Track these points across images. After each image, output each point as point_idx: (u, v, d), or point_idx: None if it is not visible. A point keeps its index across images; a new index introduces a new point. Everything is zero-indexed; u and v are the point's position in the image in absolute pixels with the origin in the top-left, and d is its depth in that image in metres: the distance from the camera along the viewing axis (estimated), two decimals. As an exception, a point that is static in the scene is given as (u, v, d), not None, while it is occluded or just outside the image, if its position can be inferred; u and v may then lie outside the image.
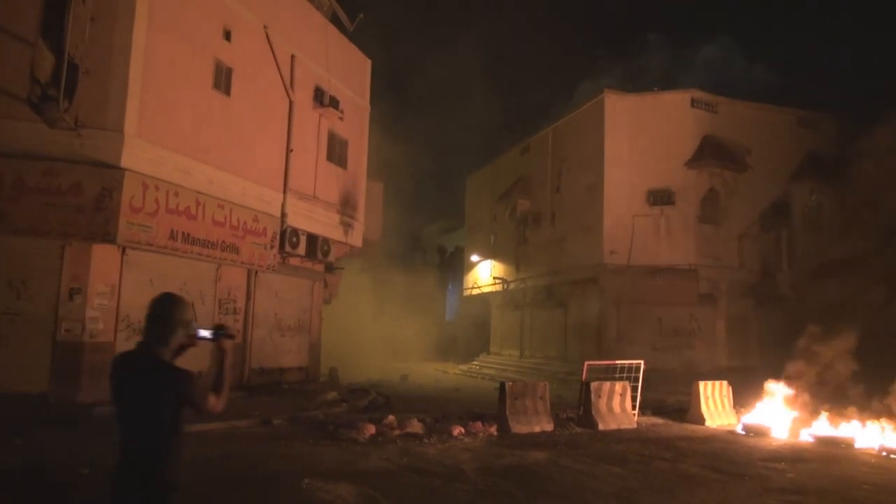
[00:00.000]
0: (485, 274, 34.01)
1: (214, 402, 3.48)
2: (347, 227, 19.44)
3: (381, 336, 32.47)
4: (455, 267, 42.18)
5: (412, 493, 7.71)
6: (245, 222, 14.73)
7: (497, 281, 32.03)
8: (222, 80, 14.11)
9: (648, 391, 19.02)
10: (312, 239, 17.88)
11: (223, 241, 14.03)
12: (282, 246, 16.64)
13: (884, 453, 11.06)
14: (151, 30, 12.21)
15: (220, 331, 3.63)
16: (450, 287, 44.50)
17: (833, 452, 11.17)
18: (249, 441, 10.57)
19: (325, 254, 18.62)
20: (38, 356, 11.60)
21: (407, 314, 35.10)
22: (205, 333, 3.63)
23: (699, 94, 23.59)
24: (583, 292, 25.07)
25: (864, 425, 12.14)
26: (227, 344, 3.66)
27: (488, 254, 33.67)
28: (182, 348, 3.45)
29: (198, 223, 13.22)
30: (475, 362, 32.78)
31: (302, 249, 17.52)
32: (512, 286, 30.67)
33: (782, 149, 24.20)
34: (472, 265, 35.52)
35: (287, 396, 15.64)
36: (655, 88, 24.35)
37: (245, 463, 8.96)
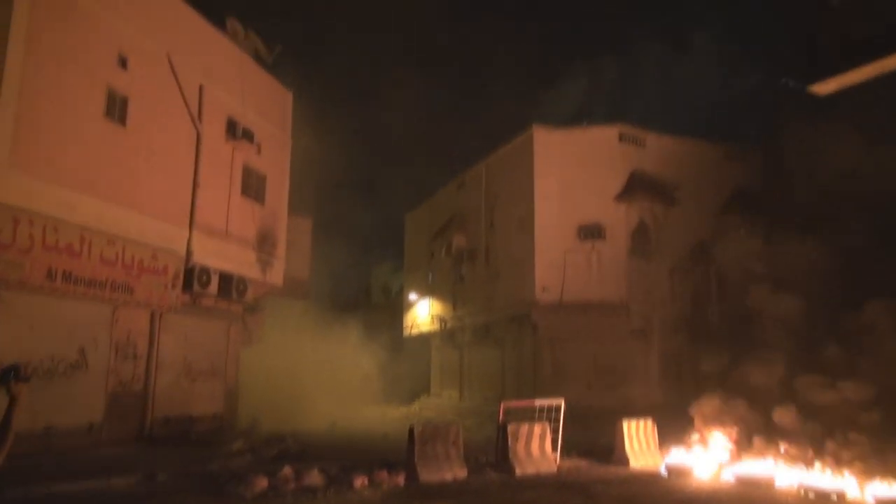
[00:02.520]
0: (424, 313, 33.31)
1: None
2: (266, 264, 18.59)
3: (321, 380, 31.22)
4: (400, 307, 41.39)
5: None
6: (141, 260, 13.76)
7: (435, 320, 31.33)
8: (116, 108, 13.29)
9: (582, 431, 18.48)
10: (226, 278, 16.96)
11: (114, 281, 13.04)
12: (190, 285, 15.69)
13: (802, 492, 10.65)
14: (31, 53, 11.40)
15: (8, 374, 2.93)
16: (395, 327, 43.60)
17: (751, 493, 10.72)
18: (120, 501, 9.52)
19: (242, 293, 17.69)
20: None
21: (351, 356, 33.98)
22: None
23: (627, 129, 23.74)
24: (518, 330, 24.59)
25: (786, 463, 11.77)
26: (20, 389, 2.94)
27: (426, 292, 33.05)
28: None
29: (83, 261, 12.23)
30: (416, 404, 31.81)
31: (214, 289, 16.58)
32: (450, 325, 30.03)
33: (710, 183, 24.40)
34: (411, 304, 34.79)
35: (190, 448, 14.51)
36: (585, 123, 24.41)
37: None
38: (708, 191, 24.19)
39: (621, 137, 23.60)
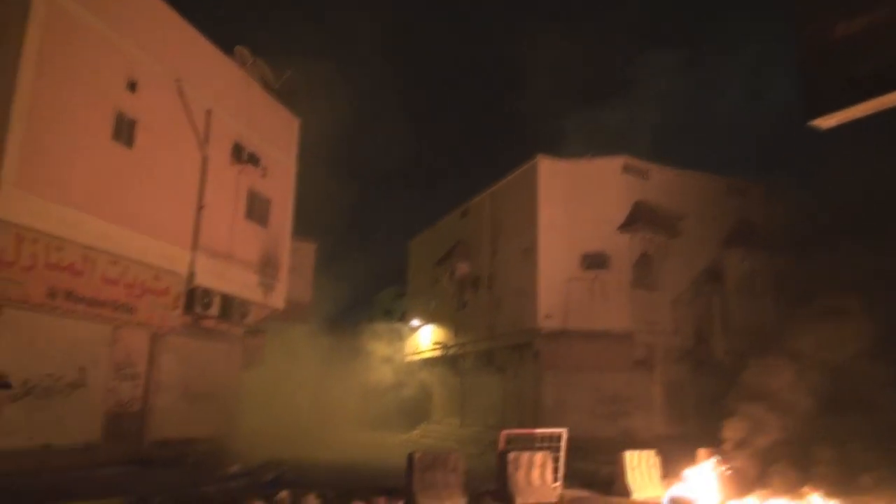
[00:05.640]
0: (426, 339, 33.17)
1: None
2: (268, 288, 18.60)
3: (321, 405, 31.00)
4: (402, 333, 41.24)
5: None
6: (143, 280, 13.81)
7: (437, 346, 31.19)
8: (124, 131, 13.46)
9: (584, 461, 18.21)
10: (228, 300, 16.98)
11: (115, 301, 13.06)
12: (192, 307, 15.71)
13: (808, 528, 10.45)
14: (42, 77, 11.58)
15: None
16: (397, 353, 43.37)
17: (755, 527, 10.51)
18: (113, 524, 9.40)
19: (243, 316, 17.71)
20: None
21: (352, 381, 33.78)
22: None
23: (631, 161, 23.84)
24: (520, 358, 24.43)
25: (791, 498, 11.56)
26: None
27: (428, 319, 32.95)
28: None
29: (85, 280, 12.27)
30: (416, 431, 31.53)
31: (216, 311, 16.59)
32: (452, 351, 29.87)
33: (713, 215, 24.44)
34: (414, 330, 34.68)
35: (187, 470, 14.37)
36: (589, 154, 24.55)
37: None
38: (711, 222, 24.20)
39: (625, 169, 23.69)
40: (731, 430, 14.30)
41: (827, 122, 7.41)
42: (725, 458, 13.53)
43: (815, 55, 7.86)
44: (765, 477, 12.60)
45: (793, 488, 11.95)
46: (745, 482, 12.53)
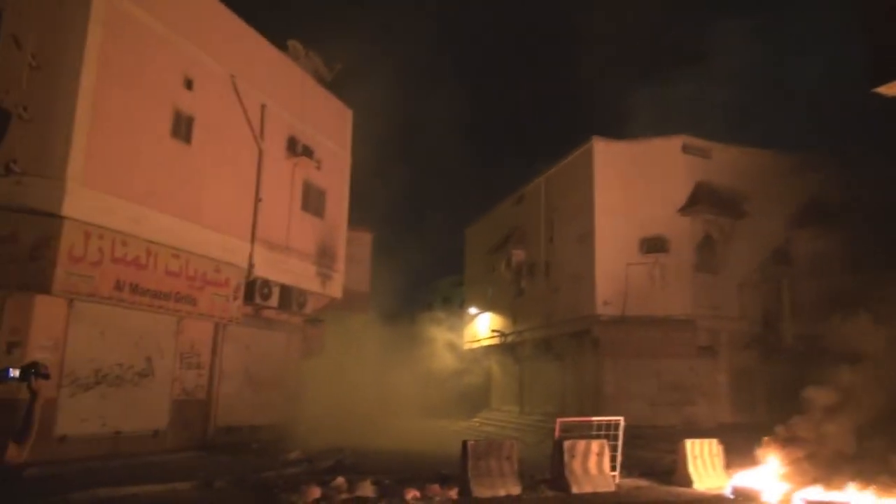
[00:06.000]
0: (484, 327, 33.14)
1: (14, 452, 2.88)
2: (325, 277, 18.91)
3: (381, 393, 31.43)
4: (460, 321, 41.34)
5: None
6: (204, 272, 14.24)
7: (495, 334, 31.12)
8: (182, 128, 13.87)
9: (645, 449, 17.87)
10: (286, 290, 17.35)
11: (178, 292, 13.52)
12: (251, 297, 16.12)
13: (881, 521, 9.94)
14: (103, 77, 12.02)
15: (30, 369, 3.07)
16: (456, 341, 43.54)
17: (824, 520, 10.08)
18: (178, 506, 9.79)
19: (301, 306, 18.05)
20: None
21: (412, 369, 34.11)
22: (13, 373, 3.10)
23: (691, 140, 23.03)
24: (579, 345, 24.10)
25: (863, 488, 11.00)
26: (40, 385, 3.07)
27: (486, 306, 32.90)
28: None
29: (148, 273, 12.75)
30: (476, 419, 31.60)
31: (275, 301, 16.98)
32: (510, 339, 29.75)
33: (782, 193, 23.34)
34: (472, 318, 34.69)
35: (250, 456, 14.80)
36: (647, 134, 23.85)
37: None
38: (779, 202, 23.16)
39: (685, 148, 22.91)
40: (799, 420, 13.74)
41: (892, 89, 6.94)
42: (793, 446, 13.01)
43: (882, 20, 7.37)
44: (835, 466, 12.05)
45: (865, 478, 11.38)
46: (813, 471, 12.00)
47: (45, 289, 10.96)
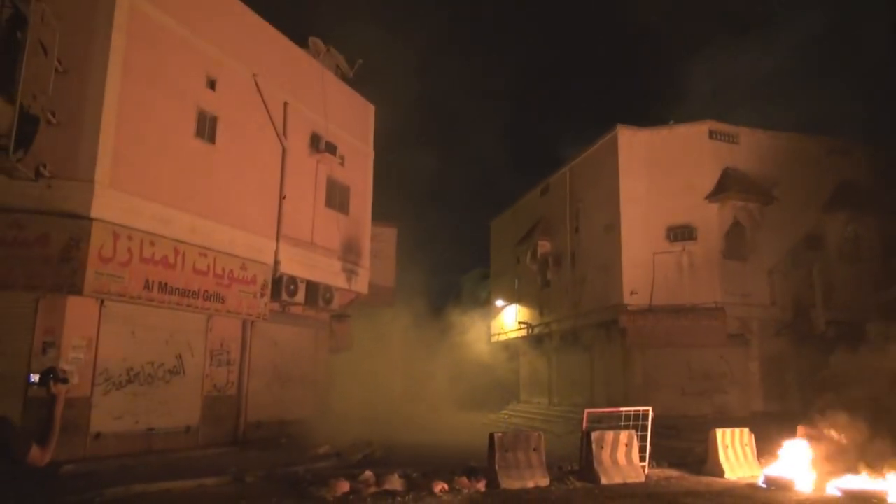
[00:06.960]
0: (511, 319, 33.07)
1: (38, 455, 2.95)
2: (351, 273, 19.01)
3: (409, 387, 31.59)
4: (487, 313, 41.31)
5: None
6: (231, 270, 14.41)
7: (522, 326, 31.04)
8: (206, 128, 14.03)
9: (675, 439, 17.71)
10: (312, 286, 17.48)
11: (206, 291, 13.71)
12: (278, 294, 16.27)
13: (919, 510, 9.71)
14: (128, 81, 12.21)
15: (48, 374, 3.14)
16: (483, 334, 43.50)
17: (860, 509, 9.88)
18: (210, 500, 9.94)
19: (328, 301, 18.18)
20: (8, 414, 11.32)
21: (440, 363, 34.18)
22: (33, 378, 3.21)
23: (717, 126, 22.66)
24: (606, 335, 23.93)
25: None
26: (59, 389, 3.14)
27: (513, 298, 32.82)
28: None
29: (177, 272, 12.95)
30: (505, 411, 31.60)
31: (301, 297, 17.12)
32: (537, 331, 29.65)
33: (812, 178, 22.93)
34: (498, 310, 34.63)
35: (280, 451, 14.99)
36: (671, 122, 23.51)
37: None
38: (809, 187, 22.74)
39: (711, 134, 22.56)
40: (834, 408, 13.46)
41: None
42: (827, 434, 12.75)
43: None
44: (870, 454, 11.79)
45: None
46: (847, 460, 11.75)
47: (77, 290, 11.20)
